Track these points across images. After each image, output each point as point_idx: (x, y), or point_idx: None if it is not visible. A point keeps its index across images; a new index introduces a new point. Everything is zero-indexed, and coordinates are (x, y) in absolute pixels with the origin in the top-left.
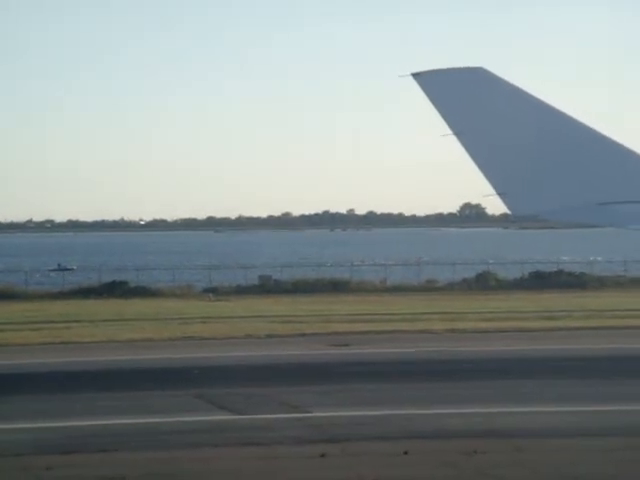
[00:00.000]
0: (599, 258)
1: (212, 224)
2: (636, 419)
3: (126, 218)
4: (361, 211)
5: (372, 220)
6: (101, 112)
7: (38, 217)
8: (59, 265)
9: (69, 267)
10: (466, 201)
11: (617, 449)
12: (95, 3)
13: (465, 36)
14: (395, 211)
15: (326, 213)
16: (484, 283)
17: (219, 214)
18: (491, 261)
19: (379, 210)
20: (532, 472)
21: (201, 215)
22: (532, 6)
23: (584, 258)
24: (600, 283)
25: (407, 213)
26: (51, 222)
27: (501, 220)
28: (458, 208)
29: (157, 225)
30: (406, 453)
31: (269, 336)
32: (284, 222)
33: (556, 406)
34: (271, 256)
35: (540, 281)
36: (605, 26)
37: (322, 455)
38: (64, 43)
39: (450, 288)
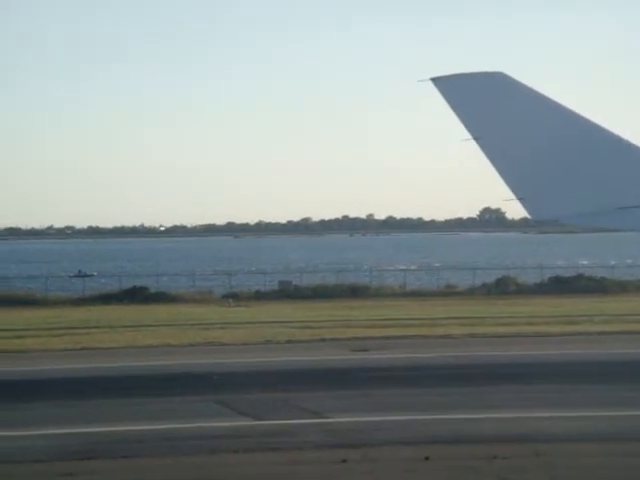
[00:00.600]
0: (615, 262)
1: (232, 230)
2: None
3: (146, 224)
4: (380, 216)
5: (392, 225)
6: (124, 116)
7: (58, 223)
8: (80, 271)
9: (89, 273)
10: (486, 205)
11: (636, 455)
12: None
13: (477, 39)
14: (414, 216)
15: (345, 218)
16: (504, 288)
17: (239, 220)
18: (515, 264)
19: (399, 215)
20: (552, 477)
21: (220, 221)
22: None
23: (605, 262)
24: (621, 288)
25: (427, 218)
26: (71, 228)
27: (521, 225)
28: (478, 213)
29: (177, 231)
30: (427, 459)
31: (289, 341)
32: (303, 227)
33: (576, 411)
34: (293, 261)
35: (560, 286)
36: (618, 28)
37: (343, 461)
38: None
39: (470, 293)
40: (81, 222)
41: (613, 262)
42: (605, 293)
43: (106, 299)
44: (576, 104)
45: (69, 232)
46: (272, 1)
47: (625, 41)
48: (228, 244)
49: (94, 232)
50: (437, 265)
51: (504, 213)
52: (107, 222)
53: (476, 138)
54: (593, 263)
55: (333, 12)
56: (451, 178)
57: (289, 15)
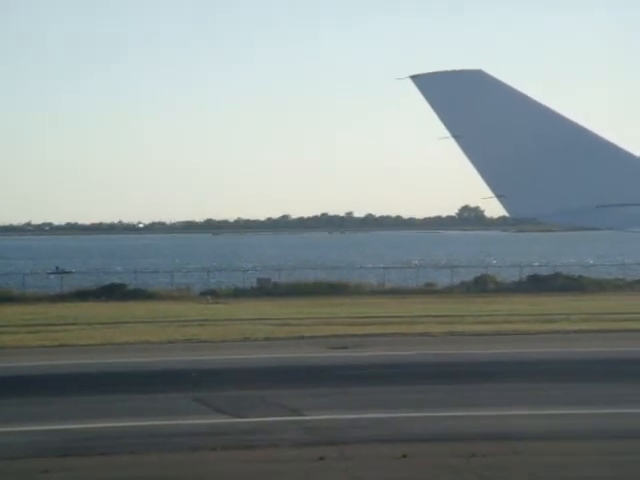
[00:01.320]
0: (592, 261)
1: (211, 227)
2: (634, 422)
3: (124, 221)
4: (360, 214)
5: (371, 223)
6: (100, 113)
7: (36, 220)
8: (57, 268)
9: (68, 270)
10: (465, 204)
11: (615, 452)
12: (95, 3)
13: (464, 38)
14: (393, 214)
15: (324, 215)
16: (482, 286)
17: (218, 217)
18: (494, 262)
19: (378, 213)
20: (530, 475)
21: (199, 218)
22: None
23: (582, 261)
24: (598, 286)
25: (405, 216)
26: (49, 225)
27: (500, 223)
28: (457, 211)
29: (155, 228)
30: (404, 456)
31: (267, 339)
32: (283, 224)
33: (555, 409)
34: (272, 258)
35: (538, 284)
36: (604, 28)
37: (320, 458)
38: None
39: (449, 291)
40: (59, 219)
41: (591, 261)
42: (583, 292)
43: (84, 296)
44: (557, 104)
45: (47, 229)
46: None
47: (608, 39)
48: (207, 241)
49: (72, 229)
50: (416, 263)
51: (483, 211)
52: (85, 219)
53: (455, 136)
54: (571, 262)
55: (304, 15)
56: (430, 176)
57: (273, 15)
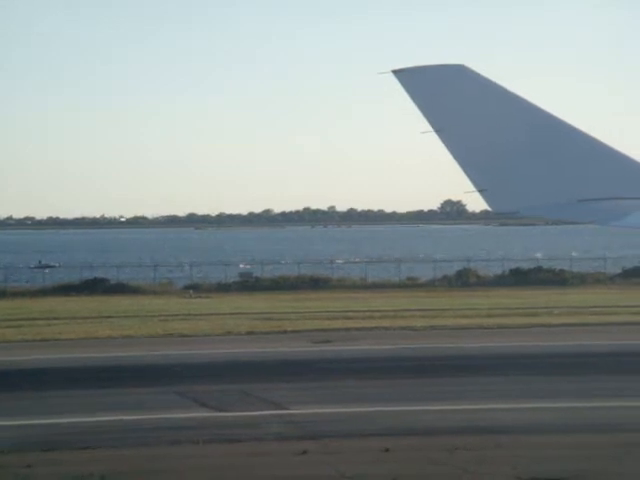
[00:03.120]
0: (575, 254)
1: (193, 221)
2: (615, 415)
3: (107, 215)
4: (342, 208)
5: (353, 217)
6: (82, 109)
7: (18, 214)
8: (40, 262)
9: (51, 264)
10: (447, 198)
11: (597, 446)
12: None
13: (454, 34)
14: (376, 208)
15: (307, 210)
16: (465, 280)
17: (200, 211)
18: (479, 256)
19: (360, 207)
20: (513, 468)
21: (182, 212)
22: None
23: (564, 255)
24: (580, 280)
25: (388, 210)
26: (31, 219)
27: (482, 217)
28: (439, 205)
29: (138, 222)
30: (387, 450)
31: (250, 333)
32: (265, 219)
33: (536, 402)
34: (255, 253)
35: (520, 278)
36: (603, 26)
37: (303, 452)
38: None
39: (431, 285)
40: (41, 213)
41: (574, 254)
42: (564, 285)
43: (66, 290)
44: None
45: (29, 223)
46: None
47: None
48: (189, 235)
49: (54, 223)
50: (398, 257)
51: (465, 205)
52: (67, 213)
53: (437, 130)
54: (552, 255)
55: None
56: (412, 170)
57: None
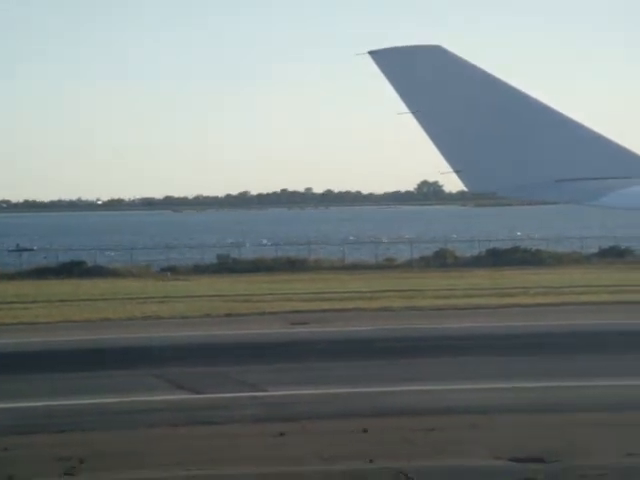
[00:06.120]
0: (554, 235)
1: (170, 203)
2: (592, 394)
3: (83, 198)
4: (319, 189)
5: (330, 198)
6: (56, 91)
7: None
8: (18, 245)
9: (29, 247)
10: (423, 179)
11: (575, 425)
12: None
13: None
14: (353, 189)
15: (284, 192)
16: (442, 261)
17: (177, 194)
18: (454, 236)
19: (337, 188)
20: (489, 449)
21: (159, 194)
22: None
23: (541, 235)
24: (556, 260)
25: (365, 191)
26: (7, 202)
27: (459, 198)
28: (415, 186)
29: (114, 205)
30: (365, 431)
31: (228, 315)
32: (242, 201)
33: (511, 382)
34: (234, 235)
35: (497, 258)
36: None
37: (281, 434)
38: None
39: (408, 266)
40: (17, 196)
41: (551, 234)
42: (541, 265)
43: (43, 273)
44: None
45: (4, 206)
46: None
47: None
48: (167, 218)
49: (30, 206)
50: (375, 238)
51: (441, 186)
52: (44, 196)
53: (414, 111)
54: (528, 235)
55: None
56: (389, 151)
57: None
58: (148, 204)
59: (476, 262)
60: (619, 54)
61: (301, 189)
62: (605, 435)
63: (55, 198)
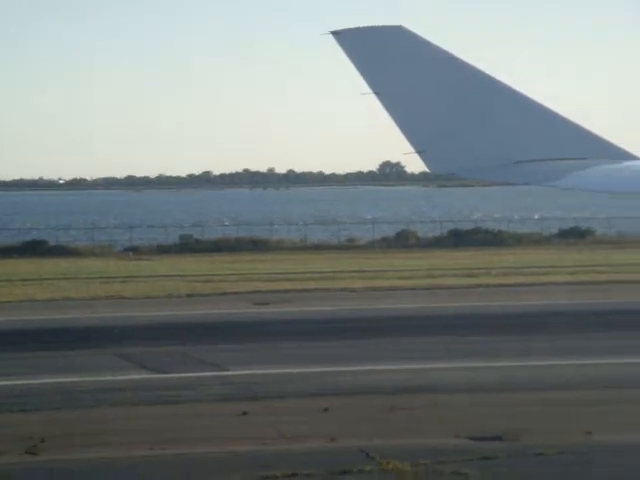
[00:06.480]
0: (516, 216)
1: (132, 183)
2: (551, 373)
3: (45, 177)
4: (281, 170)
5: (292, 179)
6: (17, 69)
7: None
8: None
9: None
10: (386, 159)
11: (532, 404)
12: None
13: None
14: (315, 170)
15: (246, 172)
16: (404, 241)
17: (139, 173)
18: (414, 218)
19: (299, 169)
20: (448, 426)
21: (121, 174)
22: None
23: (502, 216)
24: (517, 241)
25: (327, 172)
26: None
27: (420, 178)
28: (378, 166)
29: (77, 184)
30: (326, 410)
31: (190, 295)
32: (204, 181)
33: (473, 362)
34: (196, 215)
35: (458, 239)
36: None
37: (244, 413)
38: None
39: (370, 246)
40: None
41: (515, 216)
42: (502, 246)
43: (4, 253)
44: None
45: None
46: None
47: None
48: (130, 197)
49: None
50: (337, 219)
51: (404, 167)
52: (5, 175)
53: (376, 92)
54: (488, 216)
55: None
56: (351, 132)
57: None
58: (110, 183)
59: (438, 243)
60: (588, 39)
61: (264, 169)
62: (562, 414)
63: (17, 177)
